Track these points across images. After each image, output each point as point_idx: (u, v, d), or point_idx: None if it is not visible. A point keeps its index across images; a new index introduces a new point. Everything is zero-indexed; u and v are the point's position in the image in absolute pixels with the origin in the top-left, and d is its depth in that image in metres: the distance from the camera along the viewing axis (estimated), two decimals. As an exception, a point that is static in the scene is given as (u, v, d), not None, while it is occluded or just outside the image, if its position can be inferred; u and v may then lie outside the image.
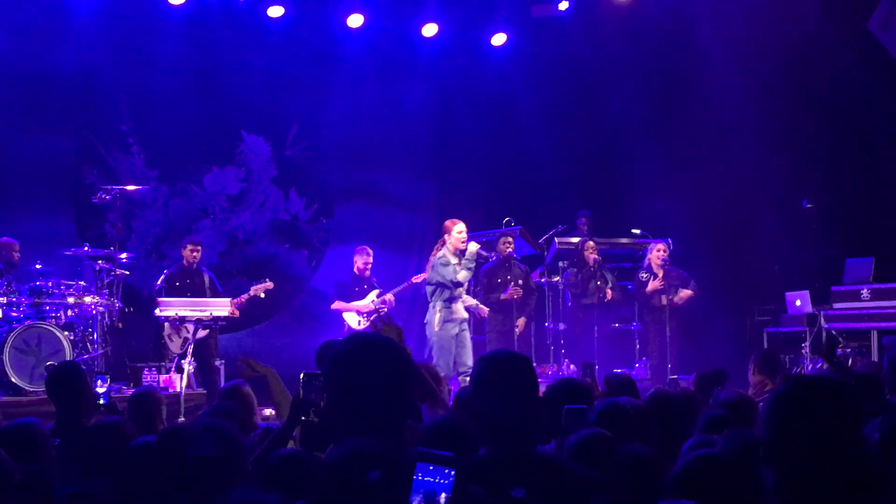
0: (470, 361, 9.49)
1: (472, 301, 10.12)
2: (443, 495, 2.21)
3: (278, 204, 13.73)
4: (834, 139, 11.80)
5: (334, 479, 2.56)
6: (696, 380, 6.10)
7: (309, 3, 12.84)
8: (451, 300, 9.61)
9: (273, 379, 5.04)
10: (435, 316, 9.56)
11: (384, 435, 2.68)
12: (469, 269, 9.63)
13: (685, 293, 10.71)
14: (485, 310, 10.35)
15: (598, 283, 11.05)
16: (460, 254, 9.63)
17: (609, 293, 11.02)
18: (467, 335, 9.73)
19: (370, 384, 2.76)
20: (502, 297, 10.40)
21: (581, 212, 12.44)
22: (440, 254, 9.67)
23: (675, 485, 2.72)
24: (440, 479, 2.22)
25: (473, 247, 9.66)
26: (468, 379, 7.70)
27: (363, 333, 3.02)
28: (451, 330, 9.55)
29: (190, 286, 10.35)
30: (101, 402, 5.15)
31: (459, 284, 9.63)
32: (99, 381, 5.20)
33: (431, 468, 2.23)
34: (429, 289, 9.79)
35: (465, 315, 9.78)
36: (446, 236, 9.71)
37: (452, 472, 2.22)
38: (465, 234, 9.69)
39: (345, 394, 2.80)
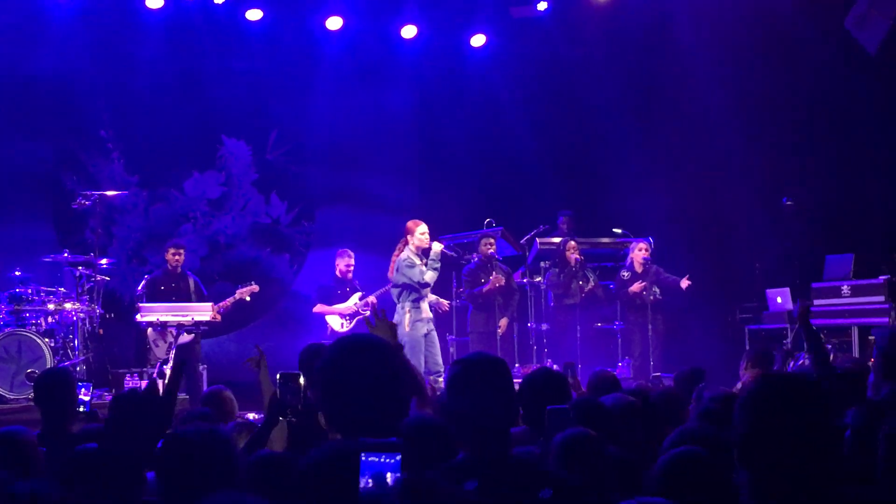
0: (441, 361, 9.55)
1: (431, 297, 10.12)
2: (389, 475, 2.22)
3: (259, 208, 13.70)
4: (814, 137, 11.86)
5: (319, 480, 2.56)
6: (675, 379, 6.15)
7: (288, 5, 12.80)
8: (419, 300, 9.62)
9: (266, 384, 4.97)
10: (405, 317, 9.54)
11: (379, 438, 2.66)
12: (435, 269, 9.62)
13: (685, 282, 10.84)
14: (444, 303, 10.43)
15: (581, 282, 11.10)
16: (423, 254, 9.63)
17: (591, 284, 11.07)
18: (435, 335, 9.75)
19: (359, 388, 2.71)
20: (485, 289, 10.45)
21: (562, 211, 12.46)
22: (403, 255, 9.65)
23: (653, 482, 2.73)
24: (387, 459, 2.23)
25: (437, 247, 9.65)
26: (441, 379, 7.67)
27: (350, 337, 2.96)
28: (420, 329, 9.56)
29: (175, 290, 10.32)
30: (82, 409, 5.10)
31: (427, 285, 9.63)
32: (83, 390, 5.15)
33: (378, 452, 2.24)
34: (394, 291, 9.78)
35: (431, 314, 9.81)
36: (409, 237, 9.68)
37: (398, 456, 2.22)
38: (427, 235, 9.66)
39: (335, 398, 2.75)
